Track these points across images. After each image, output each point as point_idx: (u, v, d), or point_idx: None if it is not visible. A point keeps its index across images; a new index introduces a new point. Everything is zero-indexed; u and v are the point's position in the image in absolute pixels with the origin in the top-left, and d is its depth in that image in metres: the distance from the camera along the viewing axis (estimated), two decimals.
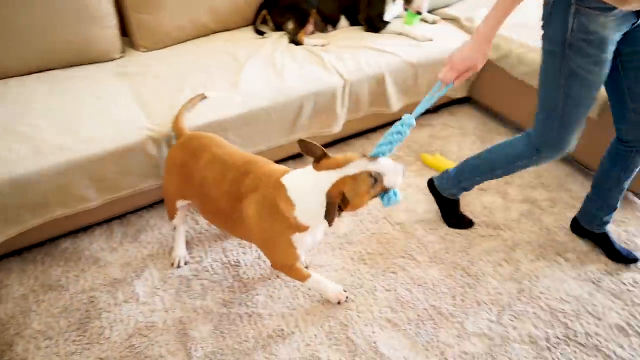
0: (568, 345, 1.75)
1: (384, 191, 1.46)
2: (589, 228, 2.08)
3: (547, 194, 2.37)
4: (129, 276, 1.94)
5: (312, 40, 2.55)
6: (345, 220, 2.20)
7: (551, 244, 2.13)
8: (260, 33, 2.60)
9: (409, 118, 1.53)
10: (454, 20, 2.87)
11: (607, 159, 1.93)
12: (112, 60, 2.35)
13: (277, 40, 2.55)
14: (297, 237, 1.54)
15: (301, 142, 1.44)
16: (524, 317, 1.84)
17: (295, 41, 2.53)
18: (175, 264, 1.97)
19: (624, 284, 1.98)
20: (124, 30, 2.44)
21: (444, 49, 2.59)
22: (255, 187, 1.52)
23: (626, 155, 1.86)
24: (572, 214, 2.24)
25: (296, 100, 2.20)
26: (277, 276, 1.96)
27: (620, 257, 2.06)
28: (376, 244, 2.10)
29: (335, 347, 1.73)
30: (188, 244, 2.06)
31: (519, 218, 2.24)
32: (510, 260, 2.05)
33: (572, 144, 1.79)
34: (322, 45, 2.52)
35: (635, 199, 2.36)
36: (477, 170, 2.01)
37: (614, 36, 1.53)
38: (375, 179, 1.40)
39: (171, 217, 1.92)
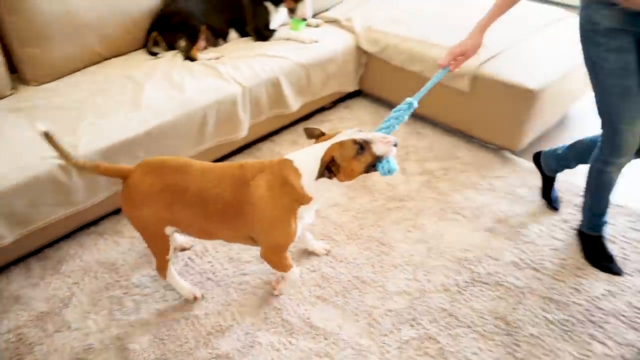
0: (474, 286, 2.00)
1: (378, 160, 1.58)
2: (543, 167, 2.35)
3: (439, 164, 2.66)
4: (56, 307, 1.92)
5: (205, 54, 2.66)
6: None
7: (449, 205, 2.39)
8: (154, 54, 2.67)
9: (410, 101, 1.73)
10: (335, 21, 3.11)
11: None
12: (3, 98, 2.31)
13: (171, 59, 2.63)
14: (300, 211, 1.68)
15: (306, 129, 1.72)
16: (435, 270, 2.07)
17: (189, 58, 2.63)
18: (196, 296, 1.95)
19: (513, 227, 2.28)
20: (12, 66, 2.40)
21: (330, 48, 2.82)
22: (261, 169, 1.68)
23: None
24: (463, 178, 2.53)
25: (199, 110, 2.30)
26: (208, 278, 2.04)
27: (550, 202, 2.36)
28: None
29: (273, 330, 1.84)
30: (113, 265, 2.08)
31: (419, 188, 2.50)
32: (417, 225, 2.28)
33: (630, 144, 1.82)
34: (217, 58, 2.64)
35: (512, 156, 2.70)
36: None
37: (625, 26, 1.64)
38: (361, 145, 1.55)
39: (164, 256, 1.82)
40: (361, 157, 1.57)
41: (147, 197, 1.68)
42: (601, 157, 1.93)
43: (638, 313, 1.93)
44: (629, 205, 2.38)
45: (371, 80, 3.11)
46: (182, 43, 2.67)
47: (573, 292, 2.01)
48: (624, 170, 1.95)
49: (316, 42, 2.82)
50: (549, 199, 2.39)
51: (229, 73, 2.49)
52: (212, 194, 1.65)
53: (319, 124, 2.96)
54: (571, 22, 3.06)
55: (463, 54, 1.86)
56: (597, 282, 2.04)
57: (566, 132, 3.00)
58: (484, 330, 1.86)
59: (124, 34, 2.63)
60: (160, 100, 2.27)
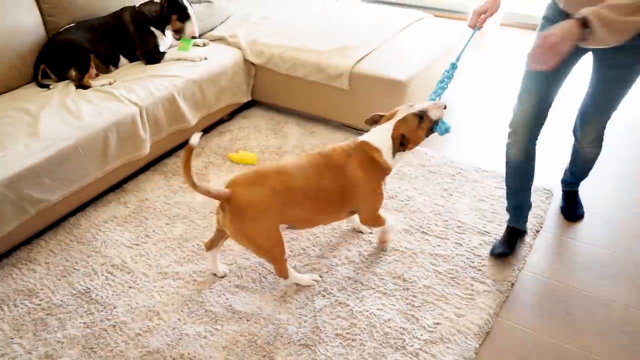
0: (374, 254, 2.28)
1: (435, 124, 1.97)
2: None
3: None
4: None
5: (98, 81, 2.74)
6: (177, 224, 2.46)
7: None
8: (45, 86, 2.71)
9: (452, 62, 2.05)
10: (221, 39, 3.32)
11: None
12: None
13: (63, 89, 2.68)
14: (385, 181, 2.08)
15: (366, 120, 2.09)
16: (339, 247, 2.33)
17: (82, 86, 2.69)
18: (316, 280, 2.17)
19: (402, 200, 2.61)
20: None
21: (219, 63, 3.02)
22: (348, 156, 2.00)
23: None
24: None
25: (100, 132, 2.40)
26: (130, 287, 2.14)
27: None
28: (210, 232, 2.40)
29: (199, 321, 1.99)
30: (31, 291, 2.12)
31: None
32: None
33: (518, 120, 2.09)
34: (110, 84, 2.73)
35: None
36: None
37: None
38: (420, 116, 1.94)
39: (283, 256, 1.99)
40: (422, 125, 1.96)
41: (261, 207, 1.83)
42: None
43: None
44: (497, 170, 2.81)
45: (262, 90, 3.35)
46: (73, 73, 2.73)
47: (456, 246, 2.35)
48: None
49: (206, 59, 3.01)
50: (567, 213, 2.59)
51: (124, 95, 2.60)
52: (318, 187, 1.92)
53: (220, 135, 3.14)
54: (428, 22, 3.53)
55: (485, 11, 2.03)
56: (475, 235, 2.40)
57: None
58: (385, 289, 2.14)
59: (9, 69, 2.65)
60: (58, 127, 2.34)
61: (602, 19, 1.48)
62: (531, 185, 2.26)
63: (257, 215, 1.83)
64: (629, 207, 2.62)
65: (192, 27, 3.01)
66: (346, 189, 1.98)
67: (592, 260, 2.31)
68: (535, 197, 2.63)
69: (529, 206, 2.31)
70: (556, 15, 1.88)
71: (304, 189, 1.91)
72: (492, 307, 2.06)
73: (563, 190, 2.64)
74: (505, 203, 2.34)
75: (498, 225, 2.46)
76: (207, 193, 1.79)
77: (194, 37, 3.04)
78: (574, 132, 2.33)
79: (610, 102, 2.06)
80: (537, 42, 1.57)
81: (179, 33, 3.03)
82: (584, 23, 1.50)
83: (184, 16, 2.97)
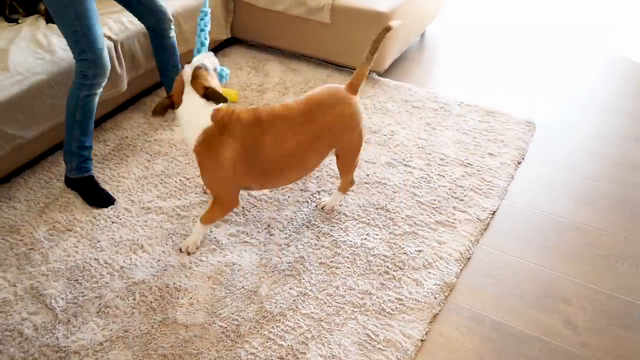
0: (358, 187, 2.29)
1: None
2: None
3: None
4: None
5: None
6: (158, 161, 2.43)
7: None
8: (13, 20, 2.59)
9: (203, 10, 1.99)
10: None
11: None
12: None
13: (33, 24, 2.57)
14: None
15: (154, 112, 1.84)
16: (325, 183, 2.33)
17: (53, 20, 2.59)
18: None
19: (385, 135, 2.60)
20: None
21: None
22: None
23: None
24: None
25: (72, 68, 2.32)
26: (113, 222, 2.13)
27: None
28: (191, 168, 2.38)
29: (181, 252, 2.00)
30: (12, 228, 2.10)
31: None
32: None
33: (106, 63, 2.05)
34: None
35: (379, 77, 3.02)
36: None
37: None
38: (205, 68, 1.78)
39: None
40: (212, 74, 1.82)
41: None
42: (87, 83, 2.05)
43: (489, 184, 2.33)
44: (480, 104, 2.79)
45: (242, 26, 3.25)
46: (42, 6, 2.62)
47: (439, 178, 2.37)
48: None
49: None
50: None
51: None
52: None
53: None
54: None
55: None
56: (457, 167, 2.42)
57: (423, 50, 3.37)
58: (369, 219, 2.16)
59: None
60: (30, 61, 2.25)
61: None
62: None
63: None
64: (611, 139, 2.65)
65: None
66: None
67: (571, 189, 2.35)
68: (517, 129, 2.64)
69: None
70: None
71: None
72: (473, 234, 2.10)
73: None
74: (488, 135, 2.35)
75: (480, 157, 2.47)
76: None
77: None
78: None
79: None
80: None
81: None
82: None
83: None
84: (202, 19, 2.06)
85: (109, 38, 2.49)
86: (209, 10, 2.03)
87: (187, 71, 1.77)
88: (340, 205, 2.21)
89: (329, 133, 1.86)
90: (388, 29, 1.86)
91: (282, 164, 1.84)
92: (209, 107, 1.77)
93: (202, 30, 2.02)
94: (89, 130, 2.17)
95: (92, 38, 1.98)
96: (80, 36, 1.96)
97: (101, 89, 2.12)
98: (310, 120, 1.82)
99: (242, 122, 1.79)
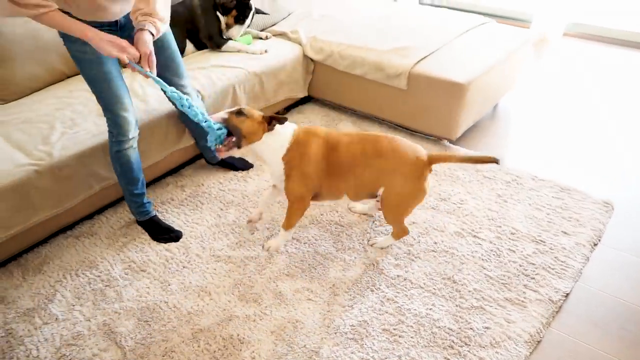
0: (425, 254, 2.27)
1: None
2: None
3: None
4: (41, 302, 2.04)
5: None
6: (231, 210, 2.51)
7: None
8: None
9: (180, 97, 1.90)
10: (282, 34, 3.38)
11: None
12: None
13: (131, 75, 2.79)
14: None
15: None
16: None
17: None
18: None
19: (455, 203, 2.58)
20: None
21: (280, 58, 3.08)
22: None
23: None
24: None
25: (162, 118, 2.50)
26: (184, 267, 2.20)
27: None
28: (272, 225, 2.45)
29: (248, 305, 2.03)
30: (92, 263, 2.21)
31: None
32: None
33: (129, 120, 2.09)
34: None
35: (451, 145, 3.03)
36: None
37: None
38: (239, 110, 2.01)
39: None
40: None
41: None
42: (113, 139, 2.13)
43: (562, 264, 2.24)
44: (555, 179, 2.73)
45: (319, 86, 3.38)
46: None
47: (509, 253, 2.31)
48: None
49: (266, 52, 3.08)
50: None
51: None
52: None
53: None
54: (490, 27, 3.48)
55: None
56: (529, 243, 2.35)
57: (496, 121, 3.37)
58: (435, 289, 2.12)
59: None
60: None
61: None
62: None
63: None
64: None
65: (234, 31, 3.11)
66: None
67: None
68: (594, 209, 2.55)
69: None
70: None
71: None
72: (545, 316, 2.01)
73: None
74: (562, 213, 2.28)
75: (554, 235, 2.40)
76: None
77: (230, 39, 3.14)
78: None
79: None
80: None
81: (226, 28, 3.11)
82: None
83: (240, 19, 3.08)
84: (182, 105, 1.91)
85: (198, 92, 2.66)
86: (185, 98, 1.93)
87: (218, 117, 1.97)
88: (391, 248, 2.19)
89: (382, 173, 2.07)
90: (493, 161, 2.01)
91: (347, 170, 2.08)
92: (289, 127, 2.08)
93: (189, 107, 1.93)
94: (134, 180, 2.25)
95: (110, 99, 2.03)
96: (99, 96, 2.05)
97: (132, 145, 2.17)
98: (379, 155, 2.06)
99: (319, 129, 2.13)
